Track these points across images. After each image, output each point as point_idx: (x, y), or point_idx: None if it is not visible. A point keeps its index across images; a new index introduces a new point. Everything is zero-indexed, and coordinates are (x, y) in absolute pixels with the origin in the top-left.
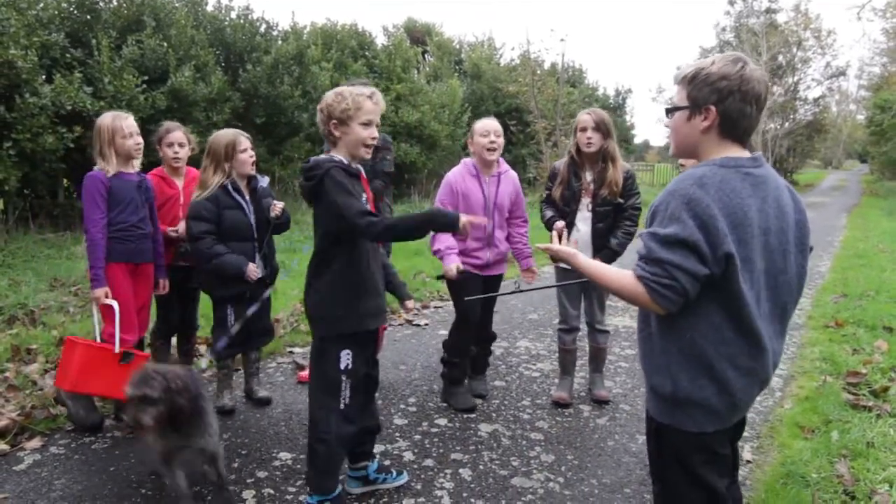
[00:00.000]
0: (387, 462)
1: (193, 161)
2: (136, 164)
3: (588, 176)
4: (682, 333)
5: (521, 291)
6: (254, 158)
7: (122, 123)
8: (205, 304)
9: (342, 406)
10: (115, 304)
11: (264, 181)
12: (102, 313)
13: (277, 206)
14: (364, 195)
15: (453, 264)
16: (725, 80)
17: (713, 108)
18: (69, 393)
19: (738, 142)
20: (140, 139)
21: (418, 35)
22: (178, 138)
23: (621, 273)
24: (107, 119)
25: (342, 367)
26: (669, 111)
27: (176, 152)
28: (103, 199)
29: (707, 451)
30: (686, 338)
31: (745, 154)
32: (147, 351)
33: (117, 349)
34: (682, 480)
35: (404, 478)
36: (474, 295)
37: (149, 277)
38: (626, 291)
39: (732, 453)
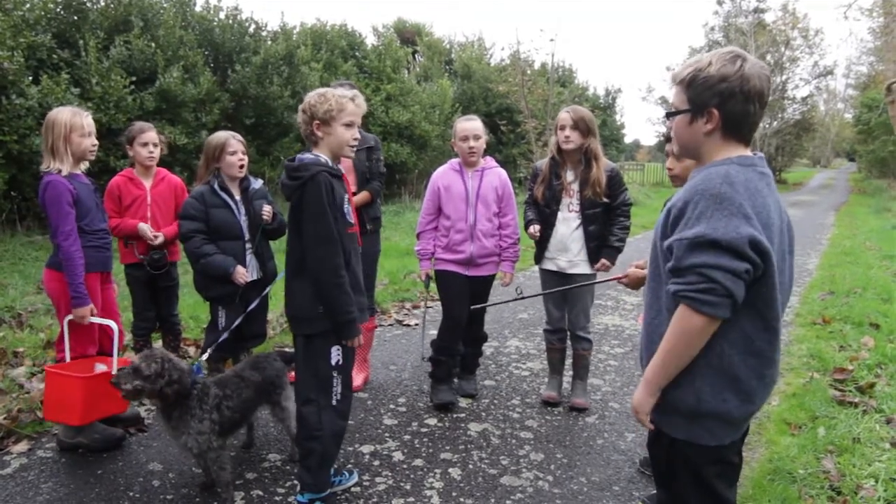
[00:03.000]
0: (376, 462)
1: (165, 163)
2: (83, 168)
3: (569, 175)
4: (712, 344)
5: (523, 298)
6: (243, 162)
7: (82, 120)
8: (194, 306)
9: (334, 402)
10: (115, 325)
11: (257, 183)
12: (71, 330)
13: (266, 210)
14: (346, 196)
15: (423, 270)
16: (726, 82)
17: (715, 110)
18: (68, 430)
19: (743, 141)
20: (96, 141)
21: (408, 35)
22: (152, 138)
23: (668, 329)
24: (65, 113)
25: (333, 363)
26: (670, 115)
27: (151, 152)
28: (71, 207)
29: (721, 463)
30: (715, 350)
31: (750, 153)
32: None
33: (115, 371)
34: (694, 493)
35: (355, 477)
36: (461, 294)
37: (111, 283)
38: (680, 333)
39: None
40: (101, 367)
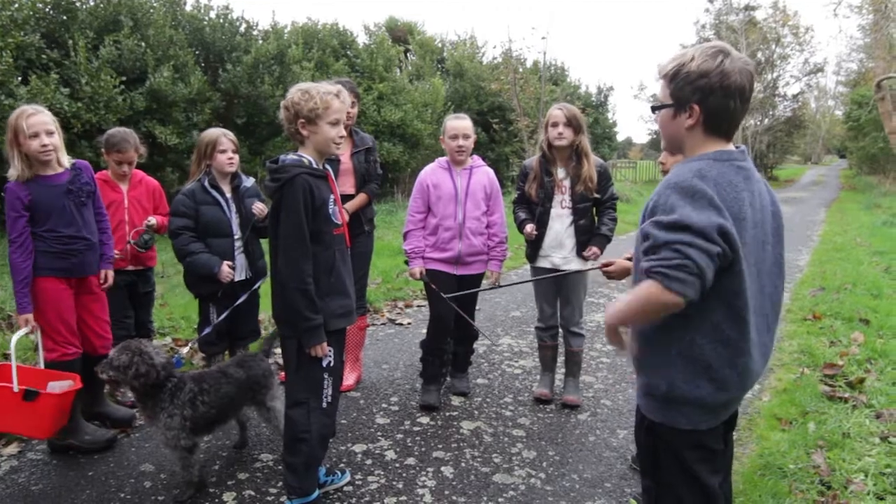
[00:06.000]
0: (368, 461)
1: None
2: (65, 161)
3: (560, 172)
4: (682, 335)
5: (499, 287)
6: (233, 160)
7: (23, 122)
8: (185, 306)
9: (324, 404)
10: (14, 342)
11: (248, 181)
12: (43, 334)
13: (258, 207)
14: (331, 196)
15: (416, 267)
16: (705, 78)
17: (696, 106)
18: (60, 433)
19: (724, 137)
20: (49, 140)
21: (400, 34)
22: (127, 158)
23: (634, 290)
24: (13, 115)
25: (325, 364)
26: (655, 109)
27: (125, 170)
28: (20, 215)
29: (701, 448)
30: (686, 339)
31: (732, 147)
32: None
33: (16, 388)
34: (677, 478)
35: (347, 476)
36: (449, 293)
37: (94, 287)
38: (641, 302)
39: (726, 447)
40: (56, 385)
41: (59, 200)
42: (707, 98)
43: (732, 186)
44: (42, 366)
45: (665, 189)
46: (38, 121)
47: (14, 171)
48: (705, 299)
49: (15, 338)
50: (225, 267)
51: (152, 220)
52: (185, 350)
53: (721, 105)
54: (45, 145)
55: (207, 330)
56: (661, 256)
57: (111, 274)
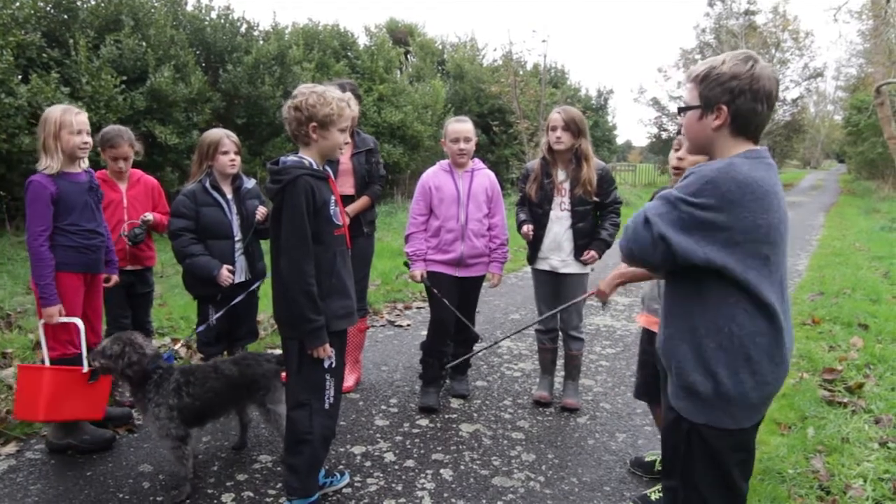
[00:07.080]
0: (367, 463)
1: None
2: (84, 163)
3: (560, 175)
4: (721, 327)
5: (504, 338)
6: (235, 162)
7: (71, 118)
8: (185, 307)
9: (327, 405)
10: (80, 323)
11: (250, 183)
12: (46, 332)
13: (261, 211)
14: (332, 197)
15: (418, 270)
16: (736, 80)
17: (724, 107)
18: (58, 432)
19: (751, 139)
20: (89, 139)
21: (401, 35)
22: (123, 153)
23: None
24: (56, 111)
25: (326, 365)
26: (682, 110)
27: (120, 167)
28: (48, 207)
29: (742, 450)
30: (724, 331)
31: (759, 147)
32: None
33: (86, 368)
34: (709, 480)
35: (346, 478)
36: (450, 295)
37: (100, 285)
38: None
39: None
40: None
41: (83, 196)
42: (736, 99)
43: (763, 181)
44: (47, 363)
45: (695, 170)
46: (83, 120)
47: (54, 164)
48: (735, 292)
49: (80, 324)
50: (224, 271)
51: (149, 215)
52: (177, 346)
53: (749, 108)
54: (86, 142)
55: (201, 328)
56: (628, 229)
57: (115, 278)
